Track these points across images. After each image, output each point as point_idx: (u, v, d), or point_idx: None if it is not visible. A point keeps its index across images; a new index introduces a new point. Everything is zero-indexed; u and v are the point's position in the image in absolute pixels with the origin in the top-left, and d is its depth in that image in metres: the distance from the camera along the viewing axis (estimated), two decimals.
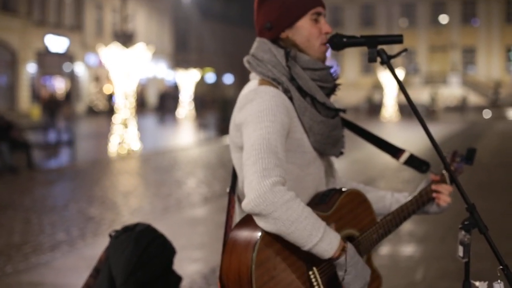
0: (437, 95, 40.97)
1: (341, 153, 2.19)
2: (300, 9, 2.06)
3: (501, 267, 1.74)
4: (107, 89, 42.86)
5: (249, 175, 1.82)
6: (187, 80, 39.45)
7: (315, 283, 1.90)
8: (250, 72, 2.12)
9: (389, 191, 2.39)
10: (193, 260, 6.18)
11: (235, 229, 1.91)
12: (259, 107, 1.93)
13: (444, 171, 2.33)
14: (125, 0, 38.02)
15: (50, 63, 40.42)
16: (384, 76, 35.88)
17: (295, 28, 2.07)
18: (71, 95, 41.23)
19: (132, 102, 17.25)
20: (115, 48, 16.57)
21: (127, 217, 8.40)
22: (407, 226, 7.27)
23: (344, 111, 2.17)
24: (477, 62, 55.90)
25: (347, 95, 47.60)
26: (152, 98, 49.94)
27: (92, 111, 42.70)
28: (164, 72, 53.78)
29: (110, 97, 36.28)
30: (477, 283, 1.77)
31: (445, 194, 2.29)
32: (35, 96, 37.41)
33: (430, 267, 5.80)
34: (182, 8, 56.79)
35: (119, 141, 17.03)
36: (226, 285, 1.86)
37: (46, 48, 39.44)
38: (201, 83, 50.34)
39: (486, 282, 1.77)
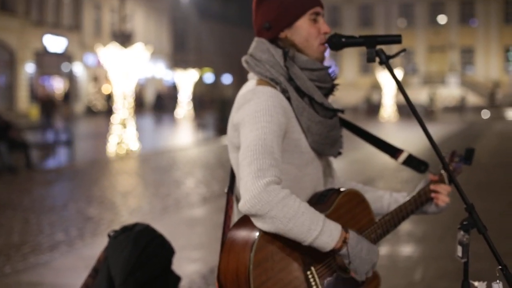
0: (435, 95, 41.03)
1: (339, 153, 2.19)
2: (298, 9, 2.06)
3: (500, 267, 1.74)
4: (105, 89, 42.84)
5: (244, 176, 1.83)
6: (186, 80, 39.45)
7: (313, 283, 1.90)
8: (249, 72, 2.12)
9: (387, 191, 2.39)
10: (192, 260, 6.18)
11: (233, 229, 1.91)
12: (256, 107, 1.93)
13: (442, 171, 2.33)
14: (124, 0, 38.02)
15: (49, 63, 40.39)
16: (382, 76, 35.90)
17: (294, 28, 2.07)
18: (69, 95, 41.20)
19: (130, 102, 17.25)
20: (114, 48, 16.56)
21: (126, 217, 8.40)
22: (406, 226, 7.27)
23: (342, 111, 2.17)
24: (475, 62, 55.93)
25: (345, 95, 47.63)
26: (150, 98, 49.93)
27: (90, 111, 42.67)
28: (162, 72, 53.77)
29: (108, 97, 36.26)
30: (476, 283, 1.77)
31: (443, 194, 2.29)
32: (34, 96, 37.38)
33: (429, 267, 5.80)
34: (180, 8, 56.79)
35: (117, 141, 17.02)
36: (224, 285, 1.86)
37: (44, 48, 39.40)
38: (199, 83, 50.36)
39: (485, 282, 1.77)
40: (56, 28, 40.37)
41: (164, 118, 35.63)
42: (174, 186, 11.23)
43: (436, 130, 23.70)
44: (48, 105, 26.59)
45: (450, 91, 51.81)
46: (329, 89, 2.13)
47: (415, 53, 56.16)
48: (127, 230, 2.61)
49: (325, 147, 2.11)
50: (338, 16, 58.15)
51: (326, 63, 2.14)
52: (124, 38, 31.85)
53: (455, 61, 55.51)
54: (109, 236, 2.61)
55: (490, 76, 54.09)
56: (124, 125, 17.08)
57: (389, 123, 31.79)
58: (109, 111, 28.96)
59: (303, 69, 2.06)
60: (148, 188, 11.24)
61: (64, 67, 41.98)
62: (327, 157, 2.23)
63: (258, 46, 2.10)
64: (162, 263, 2.61)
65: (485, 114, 37.48)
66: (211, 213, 8.81)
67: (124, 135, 17.08)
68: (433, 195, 2.30)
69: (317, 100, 2.05)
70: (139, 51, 16.70)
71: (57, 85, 41.69)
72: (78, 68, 43.19)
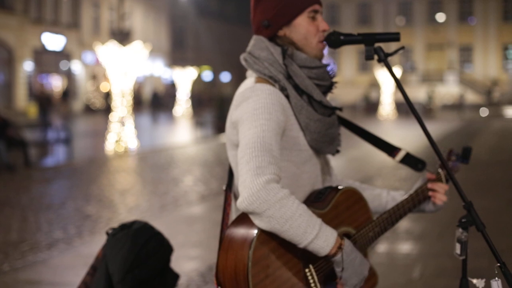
0: (434, 93, 41.01)
1: (337, 151, 2.19)
2: (297, 7, 2.05)
3: (498, 264, 1.74)
4: (104, 87, 42.81)
5: (243, 174, 1.82)
6: (184, 78, 39.42)
7: (311, 281, 1.91)
8: (247, 70, 2.12)
9: (385, 189, 2.39)
10: (190, 257, 6.18)
11: (231, 226, 1.91)
12: (254, 105, 1.93)
13: (440, 170, 2.33)
14: None
15: (47, 61, 40.36)
16: (381, 74, 35.89)
17: (292, 26, 2.07)
18: (68, 93, 41.17)
19: (129, 100, 17.24)
20: (112, 46, 16.54)
21: (124, 215, 8.40)
22: (404, 224, 7.28)
23: (340, 109, 2.17)
24: (474, 60, 55.96)
25: (344, 93, 47.66)
26: (148, 96, 49.93)
27: (89, 109, 42.65)
28: (161, 70, 53.75)
29: (107, 95, 36.23)
30: (474, 281, 1.77)
31: (441, 193, 2.29)
32: (32, 94, 37.36)
33: (427, 265, 5.80)
34: (178, 6, 56.76)
35: (116, 139, 17.01)
36: (222, 283, 1.86)
37: (43, 46, 39.37)
38: (198, 81, 50.31)
39: (484, 280, 1.77)
40: (55, 26, 40.33)
41: (162, 116, 35.57)
42: (172, 184, 11.22)
43: (435, 128, 23.72)
44: (44, 101, 26.56)
45: (449, 89, 51.83)
46: (328, 87, 2.13)
47: (413, 51, 56.18)
48: (125, 227, 2.61)
49: (323, 145, 2.11)
50: (337, 14, 58.16)
51: (325, 61, 2.14)
52: (123, 36, 31.79)
53: (453, 59, 55.55)
54: (107, 234, 2.61)
55: (488, 74, 54.12)
56: (122, 123, 17.07)
57: (387, 121, 31.79)
58: (107, 109, 28.94)
59: (302, 67, 2.06)
60: (147, 186, 11.24)
61: (63, 65, 41.95)
62: (325, 155, 2.23)
63: (257, 44, 2.09)
64: (161, 261, 2.61)
65: (484, 112, 37.49)
66: (209, 211, 8.81)
67: (122, 133, 17.07)
68: (430, 193, 2.30)
69: (316, 98, 2.05)
70: (138, 49, 16.68)
71: (56, 83, 41.67)
72: (76, 66, 43.16)
